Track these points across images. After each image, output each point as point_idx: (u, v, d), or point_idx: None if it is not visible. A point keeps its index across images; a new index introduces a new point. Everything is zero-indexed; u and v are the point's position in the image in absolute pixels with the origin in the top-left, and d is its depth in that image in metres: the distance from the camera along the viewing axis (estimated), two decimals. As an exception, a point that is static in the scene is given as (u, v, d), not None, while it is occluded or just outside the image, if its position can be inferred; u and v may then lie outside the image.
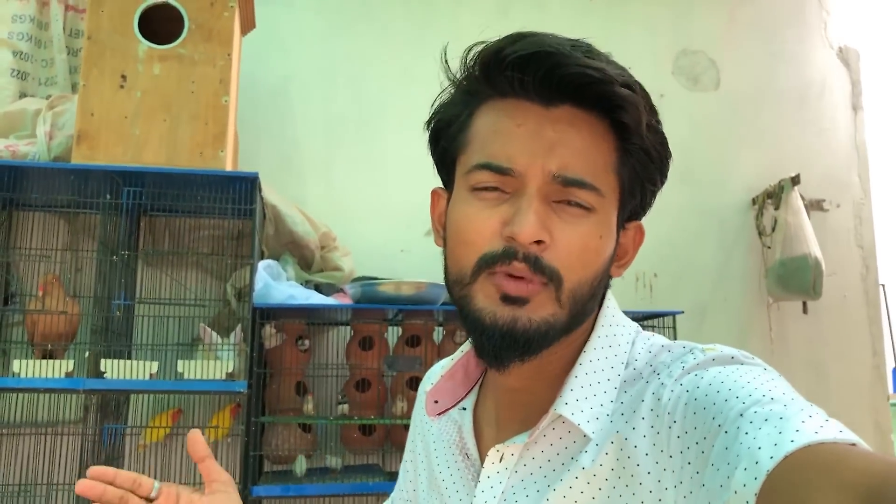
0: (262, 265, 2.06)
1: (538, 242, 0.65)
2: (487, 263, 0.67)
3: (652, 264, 2.71)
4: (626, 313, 0.79)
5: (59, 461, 2.02)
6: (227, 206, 1.95)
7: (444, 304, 2.11)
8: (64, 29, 2.46)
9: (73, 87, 2.47)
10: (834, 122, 2.90)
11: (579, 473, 0.67)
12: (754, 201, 2.75)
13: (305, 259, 2.41)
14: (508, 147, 0.67)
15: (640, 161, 0.70)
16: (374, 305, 2.06)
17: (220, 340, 2.07)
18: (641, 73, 0.70)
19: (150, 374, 1.82)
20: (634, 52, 2.79)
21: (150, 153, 1.90)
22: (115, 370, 1.80)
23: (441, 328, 2.35)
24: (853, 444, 0.49)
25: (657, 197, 0.75)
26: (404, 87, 2.61)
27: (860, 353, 2.78)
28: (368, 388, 2.22)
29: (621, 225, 0.73)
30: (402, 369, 2.22)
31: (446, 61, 0.73)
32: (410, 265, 2.51)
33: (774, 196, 2.65)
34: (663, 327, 2.25)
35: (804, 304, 2.66)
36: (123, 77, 1.94)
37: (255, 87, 2.54)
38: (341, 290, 2.28)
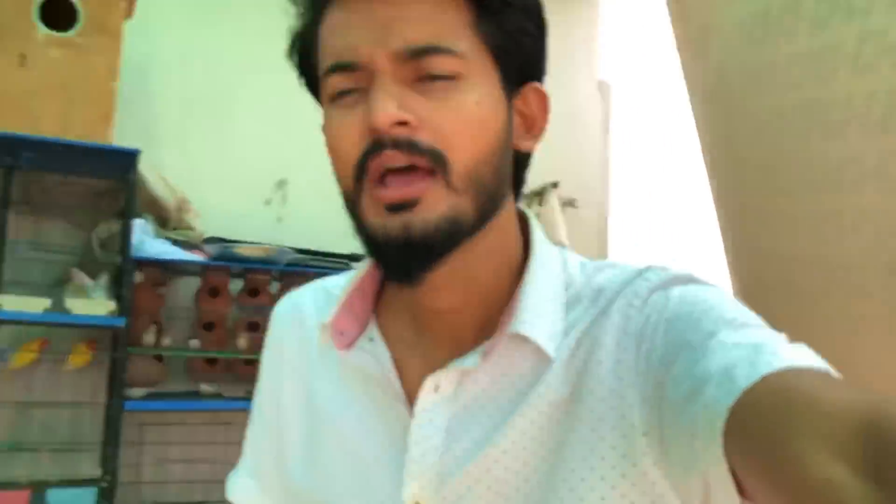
0: (138, 224, 2.48)
1: (402, 124, 0.59)
2: (361, 168, 0.61)
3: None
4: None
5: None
6: (110, 174, 2.36)
7: (286, 265, 2.67)
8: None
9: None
10: (590, 141, 3.77)
11: (548, 395, 0.63)
12: (527, 197, 3.54)
13: (162, 218, 2.83)
14: (347, 39, 0.62)
15: (499, 10, 0.63)
16: (231, 263, 2.57)
17: (90, 282, 2.48)
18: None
19: (45, 308, 2.21)
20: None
21: (47, 125, 2.26)
22: (13, 304, 2.18)
23: (278, 283, 2.90)
24: (826, 372, 0.49)
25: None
26: (254, 74, 3.05)
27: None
28: (213, 328, 2.75)
29: (513, 89, 0.67)
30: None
31: None
32: (249, 227, 3.00)
33: (540, 195, 3.45)
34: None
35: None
36: (23, 56, 2.26)
37: (121, 61, 2.88)
38: (196, 247, 2.75)
